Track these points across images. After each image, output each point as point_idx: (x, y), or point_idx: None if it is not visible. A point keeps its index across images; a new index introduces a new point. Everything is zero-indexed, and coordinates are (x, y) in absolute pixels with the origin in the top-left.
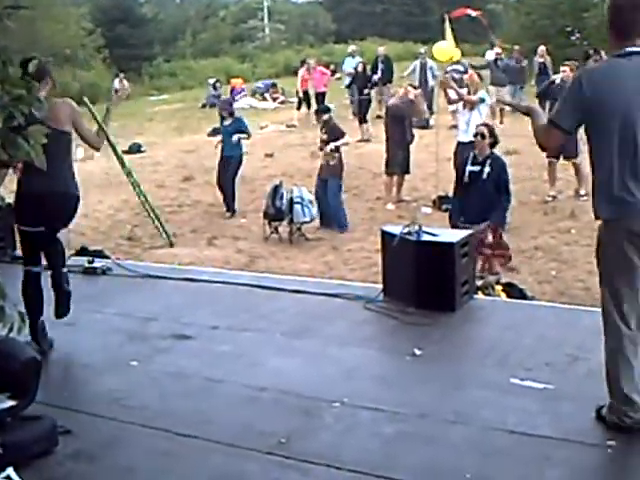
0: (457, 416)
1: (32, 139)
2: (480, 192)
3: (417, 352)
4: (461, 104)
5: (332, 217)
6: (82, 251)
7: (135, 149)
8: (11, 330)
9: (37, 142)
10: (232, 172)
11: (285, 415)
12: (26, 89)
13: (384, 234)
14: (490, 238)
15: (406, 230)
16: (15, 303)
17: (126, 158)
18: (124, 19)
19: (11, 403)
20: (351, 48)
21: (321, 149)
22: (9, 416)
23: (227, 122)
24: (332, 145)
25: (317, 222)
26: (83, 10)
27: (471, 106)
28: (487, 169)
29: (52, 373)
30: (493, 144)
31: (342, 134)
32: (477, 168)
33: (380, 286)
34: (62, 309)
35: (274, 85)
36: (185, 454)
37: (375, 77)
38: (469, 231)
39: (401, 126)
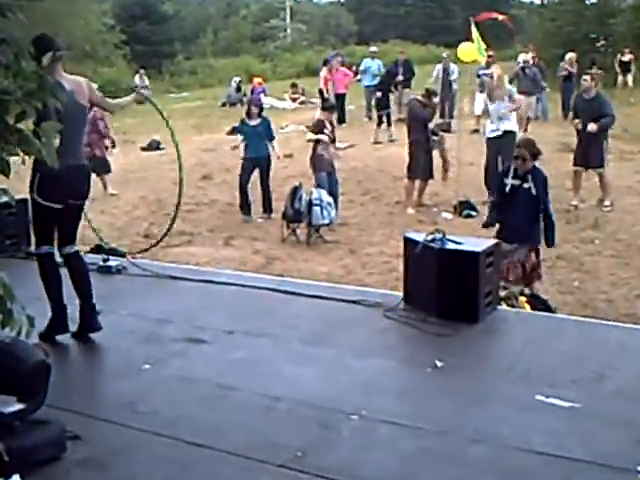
0: (478, 434)
1: (44, 136)
2: (520, 208)
3: (438, 364)
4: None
5: None
6: (97, 248)
7: (154, 146)
8: (19, 334)
9: (49, 139)
10: (267, 174)
11: (301, 427)
12: (39, 83)
13: (407, 240)
14: (532, 260)
15: (430, 237)
16: (23, 305)
17: (144, 155)
18: (145, 16)
19: (19, 406)
20: (372, 49)
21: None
22: (17, 420)
23: (254, 122)
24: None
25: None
26: (105, 7)
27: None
28: (528, 184)
29: (62, 375)
30: (535, 156)
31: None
32: (517, 182)
33: (401, 293)
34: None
35: (294, 85)
36: (196, 464)
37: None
38: (494, 240)
39: (422, 128)
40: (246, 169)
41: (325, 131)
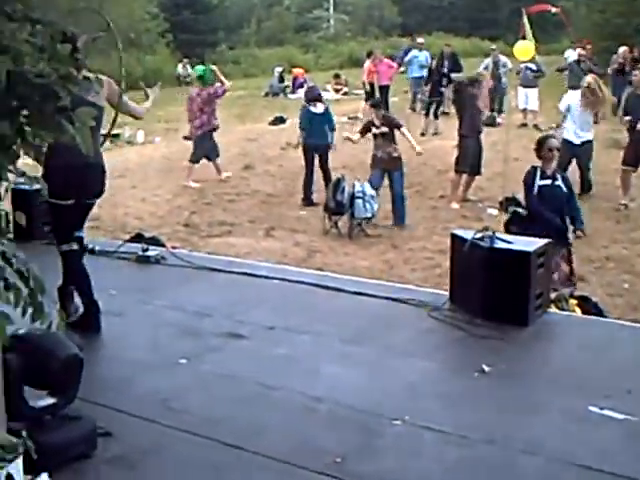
0: (527, 445)
1: (79, 121)
2: (555, 207)
3: (486, 369)
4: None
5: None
6: (137, 237)
7: None
8: (49, 328)
9: (85, 125)
10: (325, 160)
11: (341, 431)
12: (75, 68)
13: (454, 237)
14: (565, 268)
15: (478, 235)
16: (55, 300)
17: (187, 143)
18: (189, 5)
19: (51, 401)
20: (419, 40)
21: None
22: (48, 414)
23: (318, 110)
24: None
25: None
26: None
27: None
28: (558, 182)
29: (96, 368)
30: None
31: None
32: (548, 182)
33: (446, 292)
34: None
35: (337, 76)
36: (230, 468)
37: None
38: (545, 240)
39: (471, 109)
40: (308, 157)
41: (373, 129)
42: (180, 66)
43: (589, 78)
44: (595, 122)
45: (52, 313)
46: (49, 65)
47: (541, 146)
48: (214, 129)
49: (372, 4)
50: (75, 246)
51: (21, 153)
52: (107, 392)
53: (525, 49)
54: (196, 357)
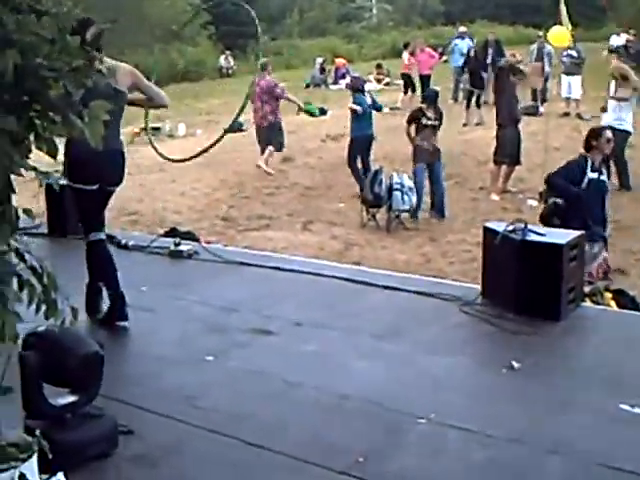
0: (556, 445)
1: (90, 115)
2: (601, 200)
3: (515, 365)
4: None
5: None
6: (171, 232)
7: (236, 127)
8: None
9: (97, 119)
10: (368, 152)
11: (365, 429)
12: (86, 60)
13: (486, 230)
14: (601, 261)
15: (510, 228)
16: (67, 296)
17: (227, 136)
18: None
19: (71, 399)
20: (461, 29)
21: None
22: (68, 412)
23: (368, 99)
24: None
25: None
26: None
27: None
28: (604, 177)
29: (122, 365)
30: None
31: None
32: (595, 175)
33: (479, 286)
34: None
35: (379, 66)
36: (252, 467)
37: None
38: (578, 232)
39: (509, 97)
40: (354, 150)
41: (423, 120)
42: (222, 58)
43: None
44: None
45: (65, 310)
46: (59, 58)
47: (598, 137)
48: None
49: None
50: (102, 235)
51: (33, 147)
52: (132, 389)
53: (560, 35)
54: (223, 353)
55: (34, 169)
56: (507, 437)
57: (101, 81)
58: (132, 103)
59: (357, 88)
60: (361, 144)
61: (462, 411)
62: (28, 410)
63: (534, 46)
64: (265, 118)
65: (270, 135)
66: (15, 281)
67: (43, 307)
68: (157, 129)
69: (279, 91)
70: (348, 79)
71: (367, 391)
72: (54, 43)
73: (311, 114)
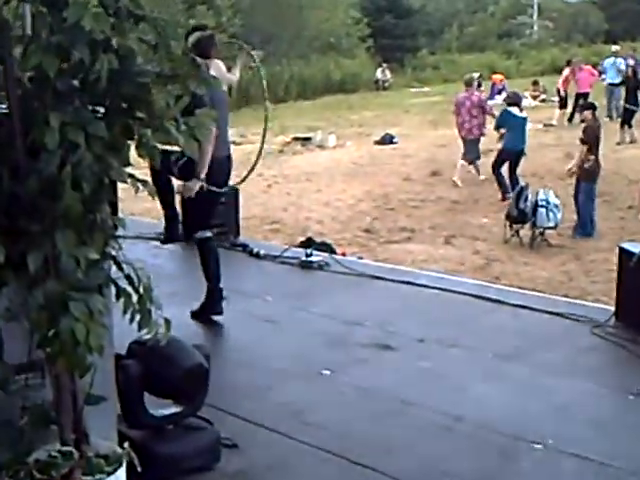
0: None
1: (196, 123)
2: None
3: None
4: None
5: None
6: (307, 242)
7: (388, 140)
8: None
9: (203, 126)
10: (516, 166)
11: (478, 454)
12: (190, 67)
13: (622, 251)
14: None
15: None
16: (161, 306)
17: (376, 148)
18: (391, 9)
19: (175, 409)
20: (614, 48)
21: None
22: (170, 423)
23: (523, 114)
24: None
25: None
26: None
27: None
28: None
29: (234, 374)
30: None
31: (593, 138)
32: None
33: (612, 308)
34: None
35: (535, 83)
36: None
37: None
38: None
39: None
40: (502, 159)
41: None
42: (379, 71)
43: None
44: None
45: (159, 321)
46: (161, 64)
47: None
48: (482, 135)
49: (578, 11)
50: (209, 233)
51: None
52: (242, 401)
53: None
54: (340, 368)
55: (131, 176)
56: (628, 468)
57: (209, 88)
58: None
59: (514, 102)
60: (510, 155)
61: (582, 438)
62: (128, 420)
63: None
64: (471, 131)
65: (472, 148)
66: (113, 290)
67: (137, 317)
68: (308, 139)
69: (488, 107)
70: (505, 95)
71: (483, 414)
72: (156, 49)
73: None
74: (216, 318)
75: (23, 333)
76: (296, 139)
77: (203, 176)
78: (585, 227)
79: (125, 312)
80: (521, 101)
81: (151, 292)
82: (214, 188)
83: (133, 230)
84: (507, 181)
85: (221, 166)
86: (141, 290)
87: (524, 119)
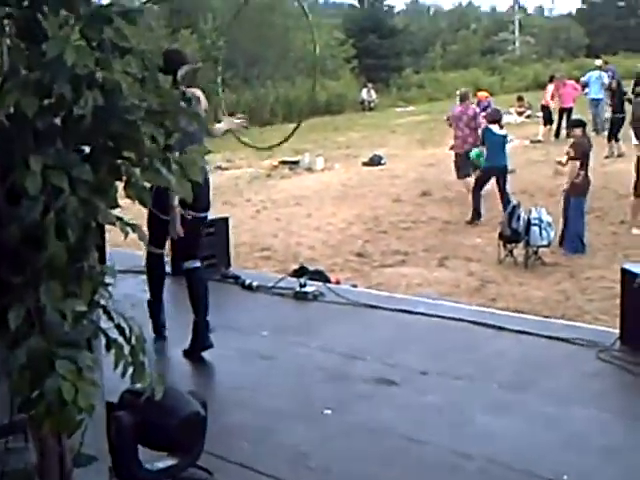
0: None
1: (187, 161)
2: None
3: None
4: None
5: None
6: (300, 270)
7: (376, 161)
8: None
9: (195, 164)
10: (504, 183)
11: None
12: (179, 102)
13: (624, 272)
14: None
15: None
16: (152, 359)
17: (365, 170)
18: (375, 29)
19: (170, 462)
20: (597, 62)
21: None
22: (167, 477)
23: (502, 132)
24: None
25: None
26: (336, 21)
27: None
28: None
29: (231, 416)
30: None
31: (583, 154)
32: None
33: (616, 330)
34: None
35: (520, 99)
36: None
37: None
38: None
39: None
40: (484, 179)
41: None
42: (364, 91)
43: None
44: None
45: (152, 374)
46: (149, 100)
47: None
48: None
49: (558, 26)
50: (198, 263)
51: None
52: (239, 444)
53: None
54: (342, 406)
55: (119, 219)
56: None
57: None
58: None
59: (494, 119)
60: (492, 172)
61: (596, 471)
62: (120, 476)
63: None
64: (462, 146)
65: (467, 162)
66: (103, 342)
67: (130, 370)
68: (295, 163)
69: (479, 121)
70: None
71: (491, 449)
72: (144, 82)
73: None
74: (209, 357)
75: (2, 392)
76: (284, 163)
77: (176, 202)
78: (573, 242)
79: (117, 365)
80: (501, 118)
81: (144, 343)
82: (193, 213)
83: (120, 264)
84: (482, 209)
85: (201, 190)
86: (133, 341)
87: (504, 137)
